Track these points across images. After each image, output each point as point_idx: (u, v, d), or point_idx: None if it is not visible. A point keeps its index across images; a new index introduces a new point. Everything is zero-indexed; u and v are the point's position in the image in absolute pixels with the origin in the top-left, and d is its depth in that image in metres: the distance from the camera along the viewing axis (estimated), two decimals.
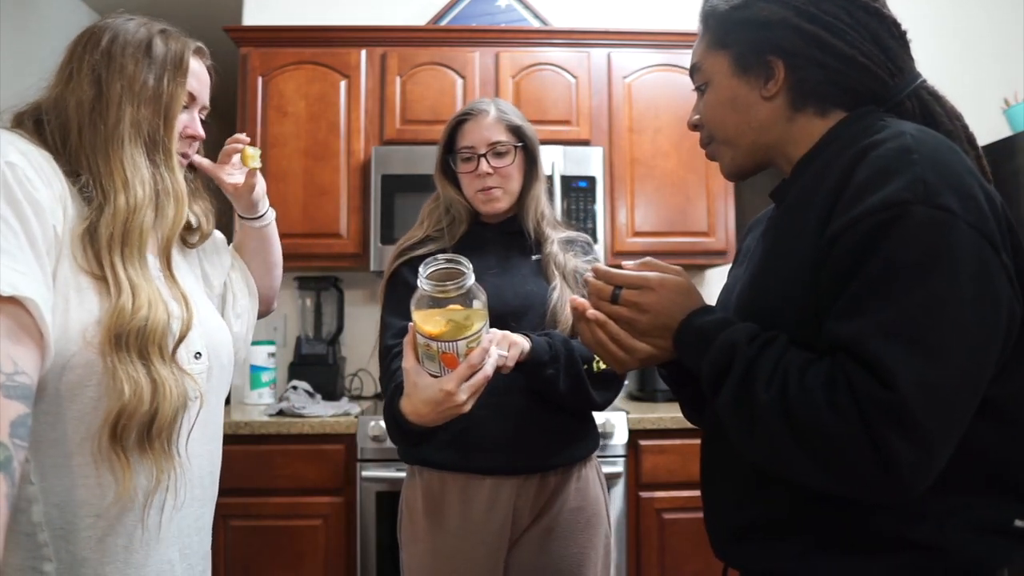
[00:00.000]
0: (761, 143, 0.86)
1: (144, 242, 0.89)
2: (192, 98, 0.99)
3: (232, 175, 1.16)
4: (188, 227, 1.05)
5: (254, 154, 1.15)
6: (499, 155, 1.36)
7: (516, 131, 1.39)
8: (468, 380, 1.01)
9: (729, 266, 1.05)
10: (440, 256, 0.99)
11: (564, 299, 1.33)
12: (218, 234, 1.16)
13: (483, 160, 1.35)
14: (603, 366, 1.26)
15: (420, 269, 0.97)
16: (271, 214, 1.24)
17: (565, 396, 1.26)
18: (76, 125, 0.89)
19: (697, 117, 0.92)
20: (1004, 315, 0.68)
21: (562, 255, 1.40)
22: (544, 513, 1.31)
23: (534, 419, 1.29)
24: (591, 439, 1.39)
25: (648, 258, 0.88)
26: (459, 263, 0.97)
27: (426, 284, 0.95)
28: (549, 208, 1.47)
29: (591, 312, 0.86)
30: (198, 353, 0.95)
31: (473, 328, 0.98)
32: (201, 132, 1.01)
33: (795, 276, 0.75)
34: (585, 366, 1.27)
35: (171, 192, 0.92)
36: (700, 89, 0.91)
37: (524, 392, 1.28)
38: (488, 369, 1.03)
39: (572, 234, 1.48)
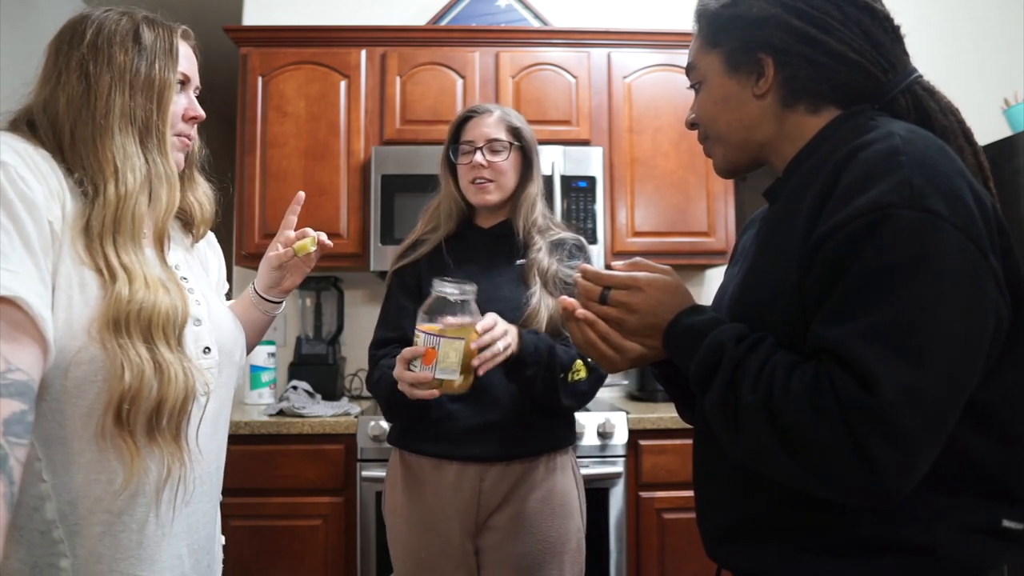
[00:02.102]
0: (753, 141, 0.86)
1: (138, 229, 0.89)
2: (187, 80, 0.99)
3: (277, 247, 1.21)
4: (188, 216, 1.05)
5: (311, 248, 1.19)
6: (495, 151, 1.47)
7: (515, 132, 1.49)
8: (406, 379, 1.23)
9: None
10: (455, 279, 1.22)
11: (542, 305, 1.40)
12: (211, 236, 1.17)
13: (479, 152, 1.46)
14: (577, 377, 1.37)
15: (435, 280, 1.22)
16: (284, 306, 1.29)
17: (537, 395, 1.37)
18: (68, 123, 0.88)
19: (693, 116, 0.92)
20: (990, 319, 0.68)
21: (547, 260, 1.45)
22: (510, 499, 1.39)
23: (503, 415, 1.38)
24: (561, 434, 1.45)
25: (637, 258, 0.88)
26: (463, 285, 1.21)
27: (436, 287, 1.22)
28: (544, 213, 1.52)
29: (580, 312, 0.85)
30: (207, 348, 0.95)
31: (417, 339, 1.20)
32: (202, 112, 1.01)
33: (783, 277, 0.75)
34: (561, 375, 1.36)
35: (163, 176, 0.92)
36: (696, 88, 0.91)
37: (497, 388, 1.38)
38: (405, 390, 1.23)
39: (564, 235, 1.52)
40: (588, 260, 1.51)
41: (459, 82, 2.56)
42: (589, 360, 1.38)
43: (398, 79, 2.55)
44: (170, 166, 0.94)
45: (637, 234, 2.56)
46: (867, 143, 0.72)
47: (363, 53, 2.56)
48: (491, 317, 1.27)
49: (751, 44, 0.82)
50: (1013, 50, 2.93)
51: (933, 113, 0.79)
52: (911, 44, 0.84)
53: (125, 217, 0.87)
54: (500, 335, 1.26)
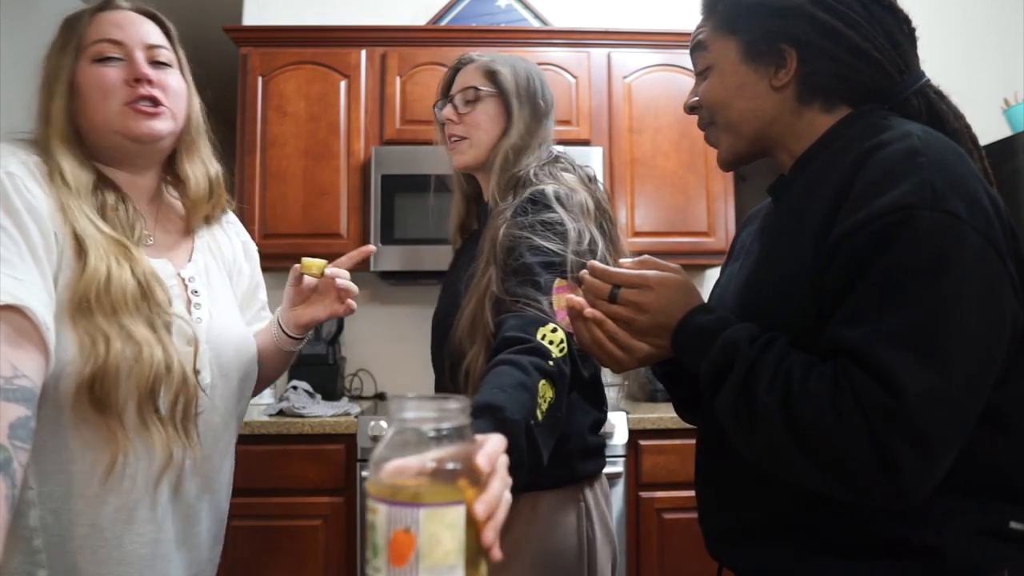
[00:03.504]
0: (764, 134, 0.84)
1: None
2: (115, 44, 0.90)
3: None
4: (183, 191, 1.01)
5: (314, 271, 1.05)
6: (467, 101, 1.18)
7: (491, 75, 1.17)
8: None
9: None
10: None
11: (482, 284, 1.04)
12: (251, 245, 1.14)
13: (449, 105, 1.20)
14: (546, 406, 0.91)
15: (392, 400, 0.57)
16: (304, 343, 1.16)
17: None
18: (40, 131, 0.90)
19: (696, 99, 0.88)
20: (1008, 323, 0.68)
21: (500, 221, 1.07)
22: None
23: None
24: (533, 473, 0.98)
25: (646, 256, 0.86)
26: (444, 403, 0.56)
27: (393, 411, 0.57)
28: (541, 158, 1.15)
29: (589, 311, 0.83)
30: (197, 371, 0.90)
31: (370, 514, 0.55)
32: (143, 72, 0.90)
33: (794, 276, 0.74)
34: (531, 422, 0.87)
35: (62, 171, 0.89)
36: (701, 74, 0.88)
37: None
38: None
39: (535, 189, 1.08)
40: (550, 211, 1.04)
41: None
42: (550, 362, 0.93)
43: (398, 79, 2.55)
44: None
45: (637, 234, 2.56)
46: (885, 143, 0.71)
47: (363, 53, 2.56)
48: (497, 441, 0.61)
49: (774, 34, 0.80)
50: (1013, 50, 2.93)
51: (945, 116, 0.79)
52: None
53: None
54: (508, 483, 0.60)
